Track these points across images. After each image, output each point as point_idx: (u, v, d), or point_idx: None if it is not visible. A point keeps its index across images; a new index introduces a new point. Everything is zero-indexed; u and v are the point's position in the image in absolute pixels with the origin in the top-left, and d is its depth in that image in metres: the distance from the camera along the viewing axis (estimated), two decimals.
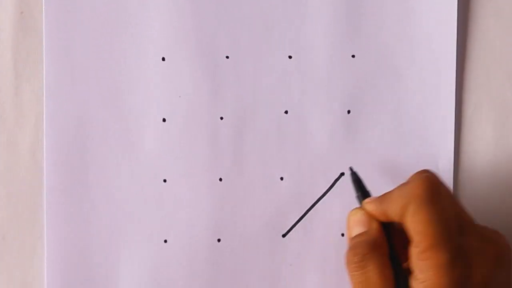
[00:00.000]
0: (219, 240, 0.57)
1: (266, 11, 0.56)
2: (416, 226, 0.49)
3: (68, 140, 0.56)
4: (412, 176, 0.51)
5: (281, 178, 0.57)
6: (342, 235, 0.57)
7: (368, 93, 0.57)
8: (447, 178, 0.57)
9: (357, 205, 0.54)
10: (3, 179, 0.56)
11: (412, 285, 0.49)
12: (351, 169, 0.54)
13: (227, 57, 0.56)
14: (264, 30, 0.56)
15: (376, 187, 0.54)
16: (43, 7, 0.55)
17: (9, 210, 0.56)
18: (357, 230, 0.52)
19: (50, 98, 0.55)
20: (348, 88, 0.57)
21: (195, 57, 0.56)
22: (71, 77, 0.55)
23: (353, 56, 0.57)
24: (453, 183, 0.58)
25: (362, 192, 0.54)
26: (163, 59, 0.56)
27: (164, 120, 0.56)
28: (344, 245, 0.55)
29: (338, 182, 0.57)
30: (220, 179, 0.57)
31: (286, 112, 0.57)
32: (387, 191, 0.52)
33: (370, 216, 0.52)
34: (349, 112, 0.55)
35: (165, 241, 0.57)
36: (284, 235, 0.57)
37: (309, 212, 0.57)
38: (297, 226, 0.57)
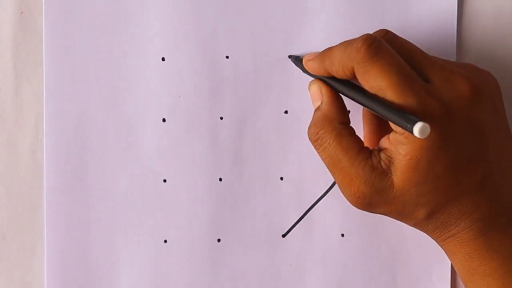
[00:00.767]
0: (219, 240, 0.57)
1: (266, 11, 0.56)
2: (370, 84, 0.48)
3: (68, 140, 0.56)
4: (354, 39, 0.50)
5: (281, 178, 0.57)
6: (342, 235, 0.57)
7: None
8: None
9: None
10: (3, 179, 0.56)
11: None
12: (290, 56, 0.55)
13: (227, 57, 0.56)
14: (264, 30, 0.56)
15: None
16: (43, 7, 0.55)
17: (9, 210, 0.56)
18: (316, 104, 0.53)
19: (50, 98, 0.55)
20: None
21: (195, 57, 0.56)
22: (71, 77, 0.55)
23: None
24: None
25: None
26: (163, 59, 0.56)
27: (164, 120, 0.56)
28: (344, 245, 0.55)
29: None
30: (220, 179, 0.57)
31: (286, 112, 0.57)
32: (329, 47, 0.52)
33: (320, 86, 0.52)
34: (349, 112, 0.55)
35: (165, 241, 0.57)
36: (284, 235, 0.57)
37: (309, 212, 0.57)
38: (297, 226, 0.57)
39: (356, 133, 0.51)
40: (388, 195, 0.49)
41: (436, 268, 0.58)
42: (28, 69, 0.56)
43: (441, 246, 0.52)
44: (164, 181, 0.56)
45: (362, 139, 0.53)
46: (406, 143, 0.48)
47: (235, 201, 0.57)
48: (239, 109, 0.57)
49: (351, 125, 0.52)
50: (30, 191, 0.56)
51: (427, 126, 0.44)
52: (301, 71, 0.55)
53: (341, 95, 0.52)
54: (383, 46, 0.48)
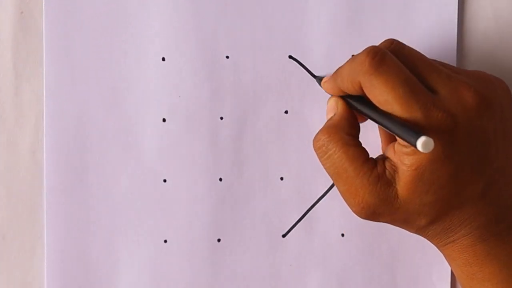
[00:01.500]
0: (219, 240, 0.57)
1: (266, 11, 0.56)
2: (377, 98, 0.48)
3: (68, 140, 0.56)
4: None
5: (281, 178, 0.57)
6: (342, 235, 0.57)
7: None
8: None
9: None
10: (3, 179, 0.56)
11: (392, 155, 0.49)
12: (290, 56, 0.54)
13: (227, 57, 0.56)
14: (264, 30, 0.56)
15: None
16: (43, 7, 0.55)
17: (9, 210, 0.56)
18: (329, 116, 0.53)
19: (50, 98, 0.55)
20: None
21: (195, 57, 0.56)
22: (71, 77, 0.55)
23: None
24: None
25: (311, 74, 0.55)
26: (163, 59, 0.56)
27: (164, 120, 0.56)
28: (344, 245, 0.55)
29: None
30: (220, 179, 0.57)
31: (286, 112, 0.57)
32: (340, 66, 0.51)
33: (337, 100, 0.52)
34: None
35: (165, 241, 0.57)
36: (284, 235, 0.57)
37: (309, 212, 0.57)
38: (297, 226, 0.57)
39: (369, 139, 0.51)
40: (393, 205, 0.49)
41: (436, 269, 0.58)
42: (28, 69, 0.56)
43: (440, 251, 0.52)
44: (164, 181, 0.56)
45: (381, 144, 0.53)
46: (411, 154, 0.47)
47: (235, 201, 0.57)
48: (239, 109, 0.57)
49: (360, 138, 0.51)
50: (30, 191, 0.56)
51: (431, 140, 0.44)
52: (301, 71, 0.55)
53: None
54: (388, 58, 0.48)
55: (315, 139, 0.51)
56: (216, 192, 0.57)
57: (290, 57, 0.56)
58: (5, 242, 0.56)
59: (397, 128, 0.47)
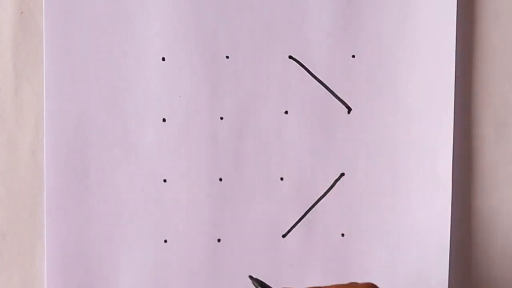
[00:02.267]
0: (219, 240, 0.57)
1: (266, 11, 0.56)
2: None
3: (68, 140, 0.56)
4: None
5: (281, 178, 0.57)
6: (342, 235, 0.57)
7: (368, 93, 0.57)
8: (445, 177, 0.57)
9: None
10: (3, 179, 0.56)
11: None
12: (251, 277, 0.52)
13: (227, 57, 0.56)
14: (264, 30, 0.56)
15: (376, 186, 0.54)
16: (43, 7, 0.55)
17: (9, 210, 0.56)
18: None
19: (50, 98, 0.55)
20: (348, 88, 0.57)
21: (195, 57, 0.56)
22: (71, 77, 0.55)
23: (353, 56, 0.57)
24: (452, 183, 0.58)
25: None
26: (163, 59, 0.56)
27: (164, 120, 0.56)
28: (344, 245, 0.55)
29: (338, 182, 0.57)
30: (220, 179, 0.57)
31: (286, 112, 0.57)
32: None
33: None
34: (349, 112, 0.55)
35: (165, 241, 0.57)
36: (284, 235, 0.57)
37: (309, 212, 0.57)
38: (297, 226, 0.57)
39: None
40: None
41: (436, 269, 0.58)
42: (28, 69, 0.56)
43: None
44: (164, 181, 0.56)
45: None
46: None
47: (235, 201, 0.57)
48: (239, 109, 0.57)
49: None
50: (30, 191, 0.56)
51: None
52: (301, 71, 0.56)
53: None
54: None
55: None
56: (216, 192, 0.57)
57: (290, 57, 0.56)
58: (5, 242, 0.56)
59: None
